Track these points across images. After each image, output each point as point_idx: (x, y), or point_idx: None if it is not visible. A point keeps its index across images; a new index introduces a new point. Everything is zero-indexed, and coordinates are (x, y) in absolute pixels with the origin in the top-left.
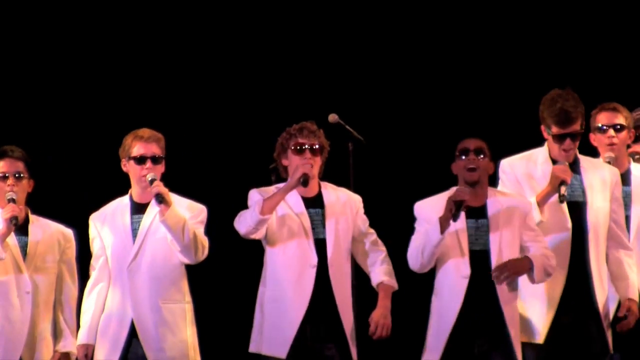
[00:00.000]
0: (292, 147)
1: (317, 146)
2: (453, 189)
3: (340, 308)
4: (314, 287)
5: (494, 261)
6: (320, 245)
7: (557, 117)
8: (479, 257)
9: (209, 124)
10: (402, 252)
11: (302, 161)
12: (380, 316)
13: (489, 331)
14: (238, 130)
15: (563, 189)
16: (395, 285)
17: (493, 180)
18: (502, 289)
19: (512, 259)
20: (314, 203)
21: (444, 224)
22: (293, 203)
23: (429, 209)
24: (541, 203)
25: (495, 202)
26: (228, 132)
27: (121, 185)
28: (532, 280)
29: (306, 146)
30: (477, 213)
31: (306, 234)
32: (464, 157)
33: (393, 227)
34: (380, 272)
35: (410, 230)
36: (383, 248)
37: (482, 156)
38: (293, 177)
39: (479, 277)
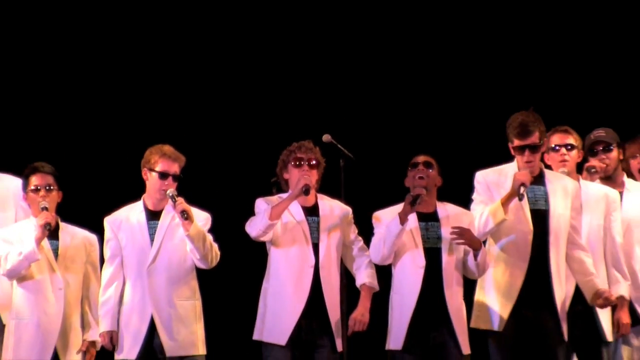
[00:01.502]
0: (292, 162)
1: (314, 161)
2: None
3: (328, 305)
4: (311, 284)
5: (445, 255)
6: (314, 249)
7: (516, 130)
8: (431, 254)
9: (219, 141)
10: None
11: (302, 173)
12: (359, 314)
13: (442, 318)
14: (244, 147)
15: (522, 189)
16: (376, 287)
17: (448, 194)
18: (448, 282)
19: (471, 231)
20: (311, 212)
21: (403, 217)
22: (295, 212)
23: (387, 215)
24: (505, 204)
25: (443, 209)
26: (236, 148)
27: (133, 193)
28: (474, 258)
29: (304, 161)
30: (428, 217)
31: (306, 238)
32: (414, 169)
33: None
34: (364, 275)
35: None
36: (368, 253)
37: (430, 169)
38: (296, 187)
39: (432, 269)
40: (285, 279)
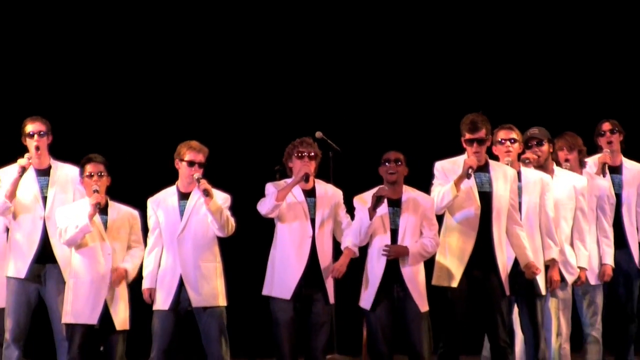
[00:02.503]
0: (296, 154)
1: (312, 153)
2: (377, 187)
3: (322, 267)
4: (309, 251)
5: (400, 237)
6: (312, 223)
7: (468, 126)
8: (393, 234)
9: (237, 138)
10: None
11: (303, 163)
12: (338, 264)
13: (402, 281)
14: (255, 143)
15: (470, 171)
16: (357, 253)
17: (413, 180)
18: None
19: (397, 245)
20: (310, 193)
21: (371, 212)
22: (296, 194)
23: (369, 197)
24: (457, 183)
25: (407, 196)
26: (249, 144)
27: (168, 179)
28: (407, 262)
29: (305, 153)
30: (394, 203)
31: (305, 215)
32: (386, 164)
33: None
34: (348, 241)
35: None
36: (353, 233)
37: (399, 164)
38: (298, 175)
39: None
40: (288, 247)
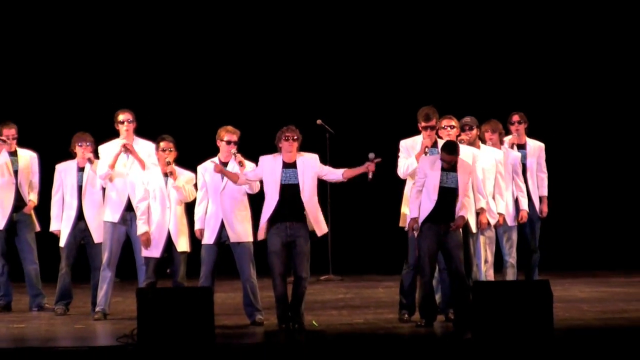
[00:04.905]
0: (283, 138)
1: (295, 137)
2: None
3: (309, 214)
4: (289, 207)
5: (461, 190)
6: (297, 188)
7: (423, 117)
8: (447, 192)
9: (259, 124)
10: (361, 201)
11: (289, 144)
12: (361, 169)
13: (447, 221)
14: (273, 126)
15: (426, 149)
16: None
17: None
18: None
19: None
20: (292, 165)
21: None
22: (276, 168)
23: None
24: (417, 157)
25: (461, 159)
26: (268, 127)
27: (211, 152)
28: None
29: (289, 137)
30: (449, 168)
31: (276, 183)
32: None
33: (355, 186)
34: (340, 170)
35: (364, 185)
36: (337, 170)
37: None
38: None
39: (445, 196)
40: (270, 205)
